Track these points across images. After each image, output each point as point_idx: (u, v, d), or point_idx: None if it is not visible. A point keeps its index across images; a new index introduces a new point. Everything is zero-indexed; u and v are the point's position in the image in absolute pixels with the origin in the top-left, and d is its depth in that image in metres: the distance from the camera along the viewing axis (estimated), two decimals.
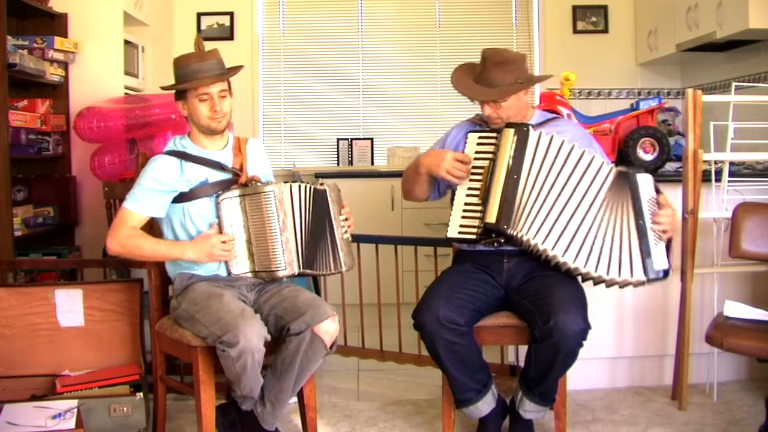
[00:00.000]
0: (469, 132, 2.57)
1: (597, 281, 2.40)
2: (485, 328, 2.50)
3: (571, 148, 2.40)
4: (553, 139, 2.41)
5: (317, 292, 3.47)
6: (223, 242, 2.42)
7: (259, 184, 2.50)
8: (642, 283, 2.39)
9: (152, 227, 2.60)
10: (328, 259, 2.50)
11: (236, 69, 2.50)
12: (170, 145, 2.53)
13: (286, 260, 2.45)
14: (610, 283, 2.39)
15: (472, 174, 2.49)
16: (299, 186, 2.50)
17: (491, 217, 2.38)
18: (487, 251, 2.57)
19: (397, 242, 3.50)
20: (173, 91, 2.49)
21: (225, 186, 2.47)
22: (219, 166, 2.49)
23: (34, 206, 3.79)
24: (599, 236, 2.38)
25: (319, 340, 2.33)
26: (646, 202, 2.39)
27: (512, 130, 2.42)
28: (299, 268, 2.48)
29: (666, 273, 2.40)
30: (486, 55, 2.51)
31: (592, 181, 2.39)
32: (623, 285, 2.40)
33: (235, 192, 2.46)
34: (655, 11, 4.97)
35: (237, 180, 2.49)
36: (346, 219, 2.55)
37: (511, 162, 2.40)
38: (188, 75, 2.42)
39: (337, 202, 2.53)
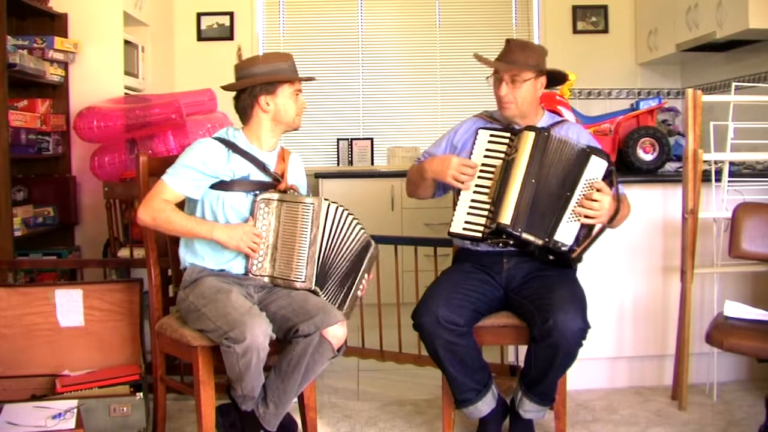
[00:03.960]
0: (480, 129, 2.57)
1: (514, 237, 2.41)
2: (485, 328, 2.50)
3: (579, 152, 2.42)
4: (563, 142, 2.43)
5: None
6: (256, 235, 2.43)
7: (297, 193, 2.53)
8: (540, 247, 2.40)
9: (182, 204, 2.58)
10: (337, 298, 2.52)
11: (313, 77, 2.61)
12: (221, 133, 2.54)
13: (308, 274, 2.45)
14: (518, 239, 2.40)
15: (481, 172, 2.49)
16: (339, 208, 2.51)
17: (505, 219, 2.37)
18: (486, 251, 2.57)
19: (397, 242, 3.49)
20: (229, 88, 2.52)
21: (264, 187, 2.49)
22: (263, 167, 2.50)
23: (34, 206, 3.78)
24: (539, 198, 2.40)
25: (327, 343, 2.33)
26: (585, 180, 2.39)
27: (533, 134, 2.42)
28: (315, 285, 2.48)
29: (570, 251, 2.39)
30: (510, 40, 2.61)
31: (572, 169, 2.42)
32: (527, 243, 2.40)
33: (275, 195, 2.47)
34: (655, 11, 4.97)
35: (276, 185, 2.51)
36: (367, 281, 2.59)
37: (529, 165, 2.40)
38: (284, 70, 2.47)
39: (371, 263, 2.58)
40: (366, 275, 2.57)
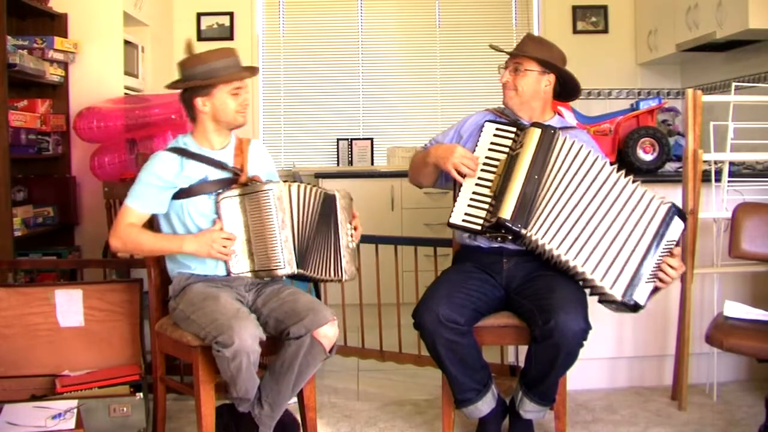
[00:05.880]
0: (487, 121, 2.56)
1: (581, 279, 2.37)
2: (485, 328, 2.50)
3: (596, 158, 2.39)
4: (574, 145, 2.40)
5: (317, 293, 3.46)
6: (225, 238, 2.42)
7: (258, 183, 2.50)
8: (613, 301, 2.33)
9: (152, 223, 2.60)
10: (329, 265, 2.51)
11: (257, 69, 2.57)
12: (173, 142, 2.55)
13: (286, 259, 2.45)
14: (589, 284, 2.35)
15: (484, 165, 2.49)
16: (301, 186, 2.51)
17: (505, 214, 2.36)
18: (487, 250, 2.57)
19: (397, 242, 3.50)
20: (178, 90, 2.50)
21: (225, 185, 2.48)
22: (219, 165, 2.49)
23: (34, 206, 3.78)
24: (607, 240, 2.33)
25: (318, 345, 2.33)
26: (666, 242, 2.35)
27: (539, 130, 2.41)
28: (297, 267, 2.48)
29: (636, 307, 2.33)
30: (528, 34, 2.63)
31: (611, 192, 2.37)
32: (599, 292, 2.35)
33: (235, 191, 2.46)
34: (655, 11, 4.97)
35: (237, 179, 2.50)
36: (355, 228, 2.56)
37: (533, 162, 2.39)
38: (220, 69, 2.43)
39: (347, 209, 2.54)
40: (347, 225, 2.52)
